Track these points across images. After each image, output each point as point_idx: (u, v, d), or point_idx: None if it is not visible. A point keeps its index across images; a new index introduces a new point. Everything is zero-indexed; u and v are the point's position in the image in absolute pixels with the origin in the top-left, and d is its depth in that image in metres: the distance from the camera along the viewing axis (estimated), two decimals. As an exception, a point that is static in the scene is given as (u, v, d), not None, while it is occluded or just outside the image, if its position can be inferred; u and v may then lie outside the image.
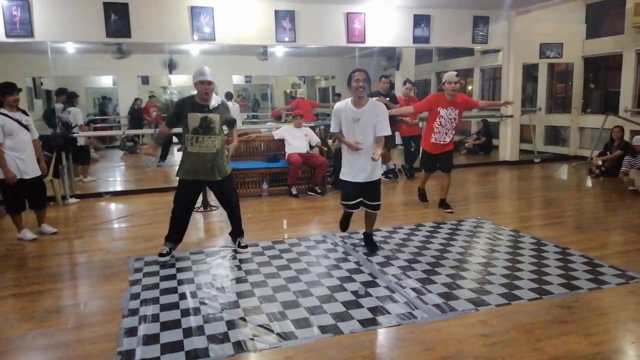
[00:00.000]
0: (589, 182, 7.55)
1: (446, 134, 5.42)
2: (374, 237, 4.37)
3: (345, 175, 4.07)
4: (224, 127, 4.21)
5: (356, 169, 3.99)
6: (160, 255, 4.03)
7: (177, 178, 4.09)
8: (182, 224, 4.13)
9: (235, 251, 4.24)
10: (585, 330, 2.76)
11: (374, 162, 3.93)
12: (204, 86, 3.87)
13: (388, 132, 3.99)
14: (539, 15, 8.87)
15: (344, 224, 4.49)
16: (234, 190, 4.34)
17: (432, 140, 5.45)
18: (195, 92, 3.99)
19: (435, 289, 3.33)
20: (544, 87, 10.75)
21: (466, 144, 11.14)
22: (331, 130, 4.15)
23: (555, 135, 10.70)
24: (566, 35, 9.38)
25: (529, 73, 10.80)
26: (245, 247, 4.25)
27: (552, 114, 10.71)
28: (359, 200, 4.09)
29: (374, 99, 7.50)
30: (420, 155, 5.87)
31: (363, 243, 4.37)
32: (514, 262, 3.85)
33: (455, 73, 5.38)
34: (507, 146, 9.30)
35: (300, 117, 7.18)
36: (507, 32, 8.83)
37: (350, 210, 4.23)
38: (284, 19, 7.33)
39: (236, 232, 4.34)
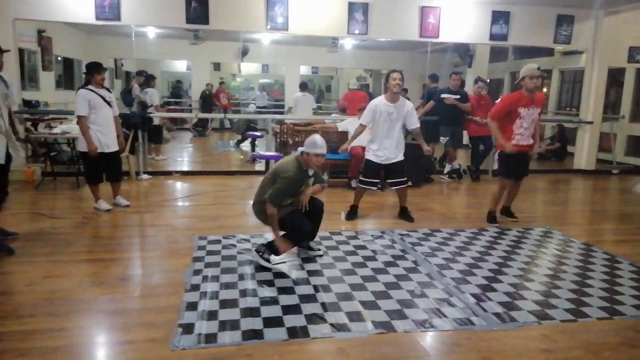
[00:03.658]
0: (674, 200, 6.96)
1: (528, 136, 4.76)
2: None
3: (373, 157, 4.94)
4: None
5: (382, 152, 4.90)
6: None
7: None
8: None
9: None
10: (660, 357, 2.56)
11: (399, 146, 4.93)
12: (319, 159, 3.60)
13: (418, 124, 4.97)
14: (629, 17, 8.24)
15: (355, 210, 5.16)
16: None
17: (514, 141, 4.73)
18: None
19: (496, 297, 3.21)
20: (630, 93, 10.00)
21: (539, 149, 10.59)
22: (363, 122, 4.92)
23: (638, 145, 9.93)
24: (660, 39, 8.66)
25: (614, 78, 10.08)
26: (319, 250, 3.99)
27: (636, 123, 9.95)
28: (377, 180, 5.04)
29: (443, 95, 7.40)
30: (499, 161, 5.01)
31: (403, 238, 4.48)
32: (584, 277, 3.63)
33: (537, 66, 4.61)
34: (583, 154, 8.74)
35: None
36: (594, 33, 8.26)
37: (370, 188, 5.07)
38: (357, 11, 7.28)
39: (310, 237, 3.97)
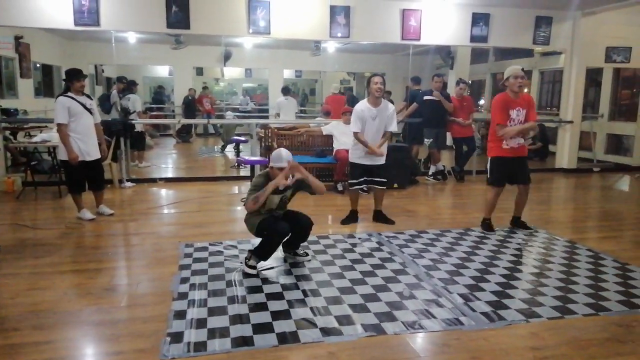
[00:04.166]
0: (653, 196, 7.12)
1: (518, 137, 4.65)
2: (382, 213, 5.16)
3: (358, 159, 4.94)
4: None
5: (369, 156, 4.89)
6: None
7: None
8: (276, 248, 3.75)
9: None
10: (645, 352, 2.61)
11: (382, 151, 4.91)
12: (282, 172, 3.58)
13: (395, 129, 5.08)
14: (606, 17, 8.42)
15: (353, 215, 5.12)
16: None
17: (504, 146, 4.64)
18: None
19: (484, 297, 3.24)
20: (608, 92, 10.21)
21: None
22: (354, 129, 4.84)
23: (617, 144, 10.15)
24: (635, 39, 8.85)
25: (592, 77, 10.28)
26: (306, 254, 3.96)
27: (615, 122, 10.16)
28: (364, 179, 5.00)
29: (426, 98, 7.48)
30: (489, 166, 4.89)
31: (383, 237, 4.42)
32: (569, 275, 3.68)
33: (521, 67, 4.63)
34: (565, 153, 8.90)
35: (349, 113, 7.14)
36: (571, 34, 8.43)
37: (358, 189, 5.07)
38: (340, 14, 7.30)
39: (293, 247, 3.96)
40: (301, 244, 3.99)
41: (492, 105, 4.75)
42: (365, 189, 5.48)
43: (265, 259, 3.68)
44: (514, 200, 4.99)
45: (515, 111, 4.58)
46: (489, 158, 4.85)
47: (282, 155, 3.60)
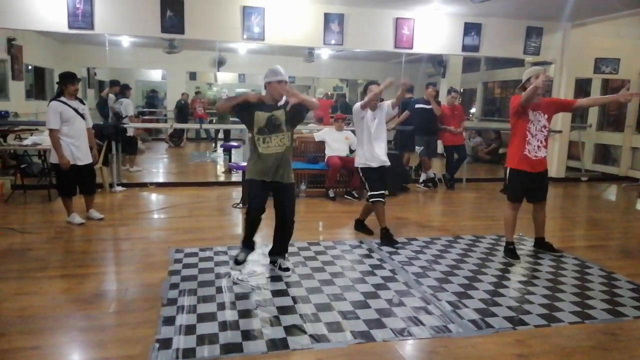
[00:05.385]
0: (639, 205, 7.22)
1: (539, 147, 4.21)
2: None
3: (370, 162, 4.67)
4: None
5: (377, 154, 4.67)
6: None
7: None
8: (255, 227, 3.65)
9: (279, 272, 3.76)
10: (630, 359, 2.64)
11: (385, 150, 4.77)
12: (282, 85, 3.49)
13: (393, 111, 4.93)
14: (595, 29, 8.56)
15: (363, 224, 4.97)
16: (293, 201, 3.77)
17: (526, 152, 4.19)
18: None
19: (472, 304, 3.27)
20: (597, 103, 10.33)
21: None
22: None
23: (605, 154, 10.28)
24: (624, 51, 8.99)
25: (581, 88, 10.41)
26: (287, 269, 3.75)
27: (603, 132, 10.30)
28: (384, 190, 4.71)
29: (418, 105, 7.55)
30: (507, 179, 4.45)
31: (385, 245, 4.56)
32: (556, 283, 3.72)
33: (542, 68, 4.13)
34: (554, 162, 8.98)
35: (341, 120, 7.19)
36: (561, 45, 8.55)
37: (383, 200, 4.68)
38: (333, 22, 7.35)
39: (278, 251, 3.85)
40: (283, 255, 3.85)
41: (510, 105, 4.29)
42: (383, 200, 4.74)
43: (245, 240, 3.66)
44: (497, 208, 4.96)
45: (534, 113, 4.16)
46: (508, 169, 4.40)
47: (280, 70, 3.50)
